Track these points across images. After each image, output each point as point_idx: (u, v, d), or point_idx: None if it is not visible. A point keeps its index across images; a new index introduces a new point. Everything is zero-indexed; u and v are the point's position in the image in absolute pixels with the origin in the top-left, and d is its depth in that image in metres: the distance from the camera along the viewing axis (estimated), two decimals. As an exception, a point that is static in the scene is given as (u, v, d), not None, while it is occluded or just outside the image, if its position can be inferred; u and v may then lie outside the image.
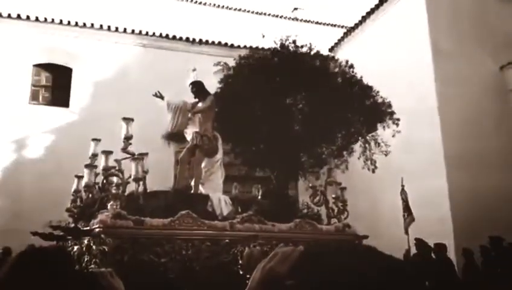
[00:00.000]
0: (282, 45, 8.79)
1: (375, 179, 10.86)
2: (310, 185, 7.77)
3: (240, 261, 5.75)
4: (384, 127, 8.66)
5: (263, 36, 9.12)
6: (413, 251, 8.98)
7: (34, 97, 12.81)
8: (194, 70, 7.22)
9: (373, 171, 8.49)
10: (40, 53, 12.80)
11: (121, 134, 5.79)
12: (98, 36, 13.46)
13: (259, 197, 8.38)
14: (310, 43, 8.84)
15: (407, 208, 9.83)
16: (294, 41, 8.72)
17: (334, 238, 6.93)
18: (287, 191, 8.46)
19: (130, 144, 5.56)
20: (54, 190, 9.59)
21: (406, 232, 9.53)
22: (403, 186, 9.88)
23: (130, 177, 5.44)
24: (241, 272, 5.75)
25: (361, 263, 0.87)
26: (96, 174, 6.05)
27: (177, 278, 5.16)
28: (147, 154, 5.98)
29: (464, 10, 11.85)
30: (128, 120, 5.61)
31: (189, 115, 6.92)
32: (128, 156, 5.49)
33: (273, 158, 8.49)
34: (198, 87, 7.15)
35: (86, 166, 5.63)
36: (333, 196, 7.43)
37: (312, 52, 8.78)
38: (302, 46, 8.79)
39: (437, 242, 8.65)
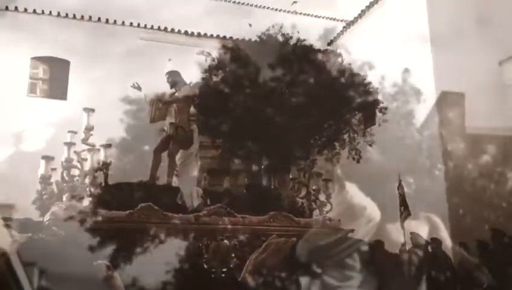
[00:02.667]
0: (270, 35, 8.57)
1: (373, 173, 10.68)
2: (291, 177, 7.56)
3: (205, 255, 5.61)
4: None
5: (250, 25, 8.89)
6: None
7: (32, 90, 12.84)
8: (170, 60, 7.06)
9: (358, 161, 8.23)
10: (37, 46, 12.80)
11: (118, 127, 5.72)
12: (96, 28, 13.38)
13: (245, 190, 8.19)
14: (298, 32, 8.59)
15: (403, 202, 9.67)
16: (280, 30, 8.47)
17: (313, 231, 6.72)
18: (273, 183, 8.22)
19: (91, 134, 5.44)
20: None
21: (402, 227, 9.40)
22: (400, 180, 9.69)
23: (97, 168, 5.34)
24: (205, 266, 5.61)
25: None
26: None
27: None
28: (109, 145, 5.86)
29: (463, 3, 11.47)
30: (88, 110, 5.49)
31: (160, 105, 6.76)
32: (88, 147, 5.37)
33: (259, 150, 8.27)
34: (174, 77, 7.00)
35: (43, 157, 5.54)
36: (313, 187, 7.20)
37: (300, 43, 8.53)
38: (290, 37, 8.55)
39: (433, 236, 8.46)
